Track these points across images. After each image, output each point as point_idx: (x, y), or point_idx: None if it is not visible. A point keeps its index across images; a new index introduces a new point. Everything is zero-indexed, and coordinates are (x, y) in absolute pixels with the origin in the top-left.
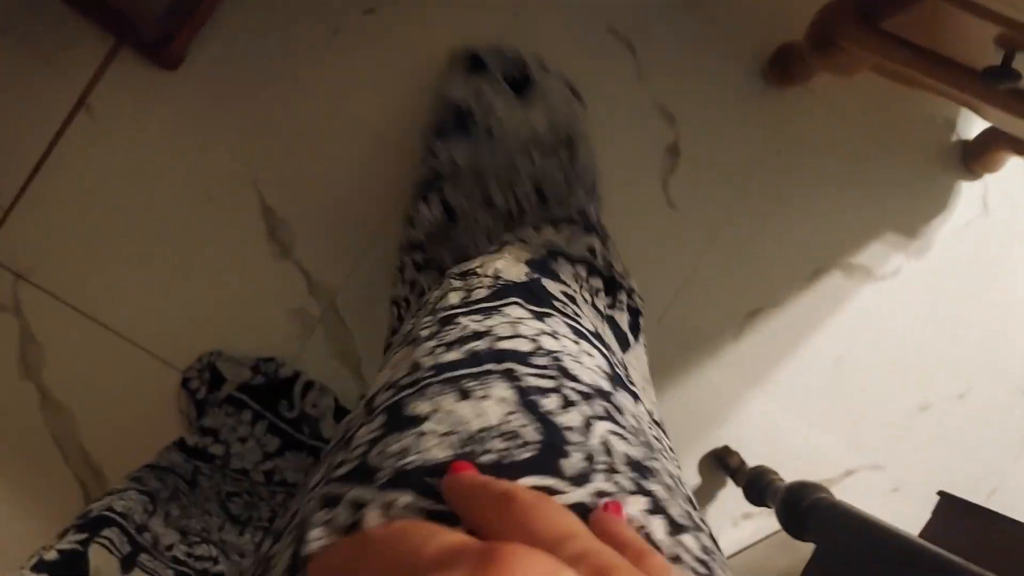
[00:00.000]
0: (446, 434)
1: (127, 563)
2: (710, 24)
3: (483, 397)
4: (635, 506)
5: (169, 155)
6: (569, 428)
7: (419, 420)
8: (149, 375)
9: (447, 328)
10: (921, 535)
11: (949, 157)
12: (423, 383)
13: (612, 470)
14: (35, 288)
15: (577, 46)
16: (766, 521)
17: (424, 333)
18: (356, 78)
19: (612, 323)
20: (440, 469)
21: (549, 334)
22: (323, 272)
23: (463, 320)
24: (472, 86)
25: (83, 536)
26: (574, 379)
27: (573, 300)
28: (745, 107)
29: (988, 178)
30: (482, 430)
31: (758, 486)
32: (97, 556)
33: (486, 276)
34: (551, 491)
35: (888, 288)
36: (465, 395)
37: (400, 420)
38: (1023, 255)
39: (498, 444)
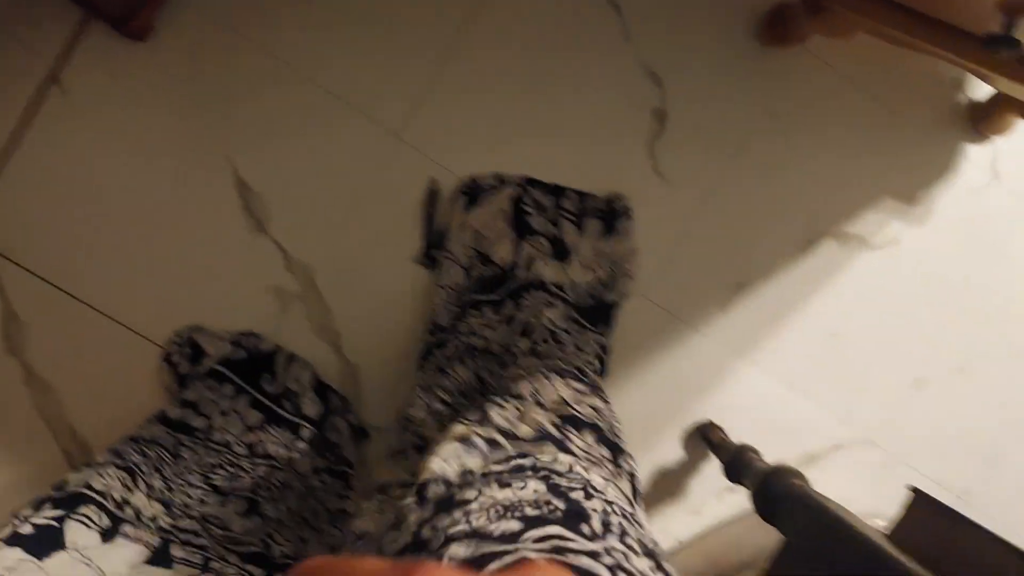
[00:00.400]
0: (488, 507)
1: (108, 534)
2: None
3: (520, 488)
4: (642, 563)
5: (143, 129)
6: (593, 509)
7: (466, 503)
8: (131, 350)
9: (497, 449)
10: (892, 531)
11: (956, 119)
12: (471, 482)
13: (624, 534)
14: (15, 266)
15: (557, 3)
16: None
17: (479, 444)
18: (329, 45)
19: (616, 490)
20: (483, 531)
21: (581, 468)
22: (300, 248)
23: (510, 448)
24: (523, 252)
25: (59, 512)
26: (600, 492)
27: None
28: (737, 68)
29: (999, 142)
30: (518, 502)
31: (738, 465)
32: (73, 532)
33: (528, 426)
34: (567, 539)
35: (885, 257)
36: (505, 485)
37: (449, 505)
38: None
39: (531, 511)
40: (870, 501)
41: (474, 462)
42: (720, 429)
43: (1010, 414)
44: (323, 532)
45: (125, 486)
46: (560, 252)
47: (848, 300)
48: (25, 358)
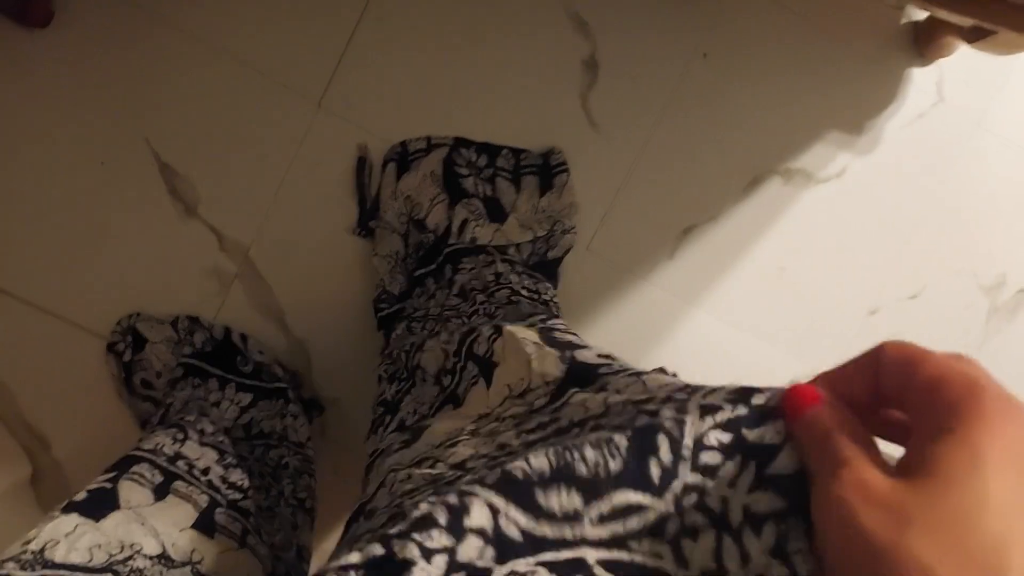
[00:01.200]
0: (541, 448)
1: (160, 490)
2: None
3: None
4: None
5: (59, 120)
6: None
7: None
8: (73, 344)
9: (527, 421)
10: None
11: (899, 44)
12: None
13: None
14: None
15: None
16: None
17: (509, 414)
18: (237, 12)
19: None
20: (537, 472)
21: (615, 392)
22: (233, 227)
23: (536, 417)
24: (456, 216)
25: (112, 475)
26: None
27: None
28: (667, 6)
29: (943, 63)
30: (574, 445)
31: None
32: (127, 491)
33: (540, 386)
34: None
35: (831, 191)
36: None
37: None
38: (983, 145)
39: (591, 453)
40: None
41: (506, 437)
42: (671, 375)
43: (967, 338)
44: (314, 513)
45: (176, 440)
46: (496, 213)
47: (796, 236)
48: None
